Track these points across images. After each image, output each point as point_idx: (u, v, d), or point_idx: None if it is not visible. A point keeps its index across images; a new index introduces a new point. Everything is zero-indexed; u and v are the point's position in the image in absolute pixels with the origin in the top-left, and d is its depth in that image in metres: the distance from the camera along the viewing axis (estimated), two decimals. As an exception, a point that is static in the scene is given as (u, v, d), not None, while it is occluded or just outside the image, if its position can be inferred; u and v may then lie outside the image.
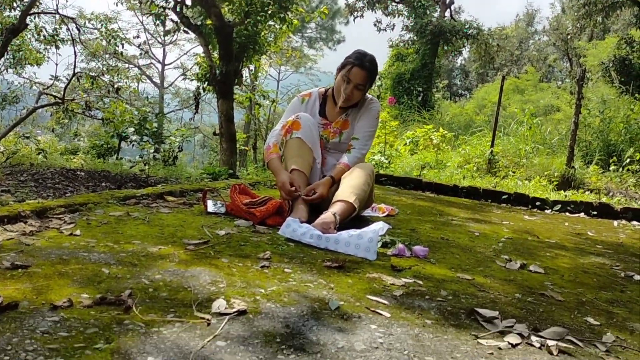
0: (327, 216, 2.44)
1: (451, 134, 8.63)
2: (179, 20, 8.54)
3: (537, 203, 5.15)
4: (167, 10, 8.59)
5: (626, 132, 9.79)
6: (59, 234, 1.96)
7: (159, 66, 32.67)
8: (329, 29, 32.41)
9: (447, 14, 17.08)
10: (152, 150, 5.70)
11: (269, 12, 7.89)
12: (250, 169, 8.70)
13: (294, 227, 2.34)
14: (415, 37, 17.17)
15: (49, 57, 12.39)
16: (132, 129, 5.93)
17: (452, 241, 2.78)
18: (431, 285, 1.88)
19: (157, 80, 33.60)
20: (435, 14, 17.08)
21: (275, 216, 2.62)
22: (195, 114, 10.08)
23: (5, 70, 12.30)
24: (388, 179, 5.62)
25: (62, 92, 10.86)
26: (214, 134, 8.77)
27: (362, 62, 2.97)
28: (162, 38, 29.33)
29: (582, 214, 4.98)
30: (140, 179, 3.77)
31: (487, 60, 19.07)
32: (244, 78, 10.26)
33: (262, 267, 1.81)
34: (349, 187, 2.68)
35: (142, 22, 25.62)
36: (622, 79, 14.19)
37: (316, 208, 2.84)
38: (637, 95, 12.63)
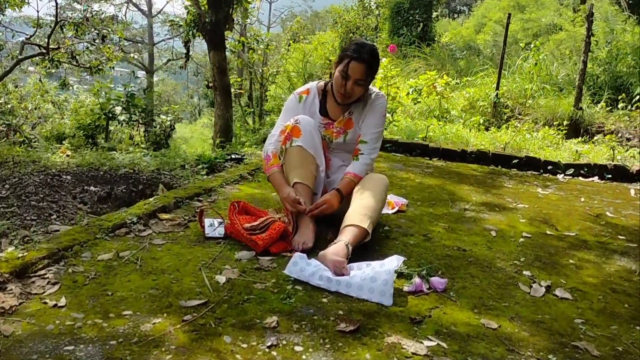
0: (338, 249, 2.23)
1: (453, 81, 8.25)
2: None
3: (549, 167, 4.93)
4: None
5: (636, 64, 9.40)
6: (43, 305, 1.77)
7: (146, -10, 31.29)
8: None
9: None
10: (142, 130, 5.39)
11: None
12: (247, 134, 8.37)
13: (302, 265, 2.14)
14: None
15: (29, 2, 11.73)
16: (120, 108, 5.55)
17: (469, 254, 2.58)
18: (456, 351, 1.70)
19: (145, 8, 32.39)
20: None
21: (279, 242, 2.42)
22: (186, 62, 9.63)
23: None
24: (393, 145, 5.37)
25: (46, 41, 10.37)
26: (207, 86, 8.43)
27: (360, 55, 2.67)
28: None
29: (596, 178, 4.78)
30: (132, 177, 3.53)
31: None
32: (235, 21, 9.75)
33: (269, 346, 1.63)
34: (362, 208, 2.45)
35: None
36: (631, 1, 13.53)
37: (323, 219, 2.64)
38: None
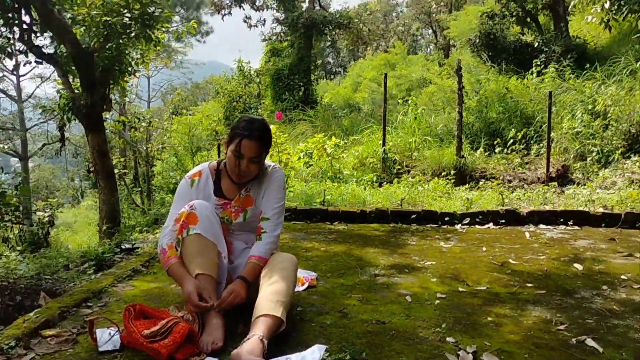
0: (253, 346, 2.01)
1: (342, 141, 8.43)
2: (28, 51, 7.53)
3: (447, 218, 5.04)
4: (12, 40, 7.53)
5: (504, 110, 10.12)
6: None
7: (14, 78, 29.86)
8: (195, 20, 31.14)
9: (316, 4, 16.87)
10: (16, 232, 4.83)
11: (132, 33, 7.14)
12: (136, 216, 7.94)
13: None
14: (288, 30, 16.82)
15: None
16: None
17: (389, 326, 2.46)
18: None
19: (13, 93, 30.82)
20: (304, 5, 16.81)
21: (186, 346, 2.16)
22: (61, 147, 9.06)
23: None
24: (292, 213, 5.25)
25: None
26: (88, 171, 7.94)
27: (251, 132, 2.56)
28: (11, 72, 26.68)
29: (491, 225, 4.93)
30: (7, 289, 3.10)
31: (360, 44, 19.19)
32: (113, 100, 9.38)
33: None
34: (272, 295, 2.27)
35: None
36: (490, 54, 14.77)
37: (232, 310, 2.41)
38: (504, 67, 13.20)
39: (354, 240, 4.39)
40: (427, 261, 3.67)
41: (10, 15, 7.52)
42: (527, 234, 4.54)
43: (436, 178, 7.59)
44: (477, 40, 15.06)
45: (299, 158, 8.11)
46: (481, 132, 9.82)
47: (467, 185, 7.51)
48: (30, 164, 31.81)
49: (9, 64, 27.81)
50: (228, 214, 2.74)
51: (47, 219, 5.30)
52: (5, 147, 27.34)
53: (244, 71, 17.84)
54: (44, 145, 30.16)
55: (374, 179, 7.68)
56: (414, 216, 5.08)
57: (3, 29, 7.52)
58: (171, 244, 2.53)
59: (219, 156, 9.62)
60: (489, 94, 10.56)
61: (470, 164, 8.16)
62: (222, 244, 2.61)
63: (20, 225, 5.05)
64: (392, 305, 2.77)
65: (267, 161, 2.83)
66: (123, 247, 3.99)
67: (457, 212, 5.10)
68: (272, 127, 8.37)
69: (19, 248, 4.48)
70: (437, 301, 2.83)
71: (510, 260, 3.67)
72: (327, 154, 8.06)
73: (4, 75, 29.55)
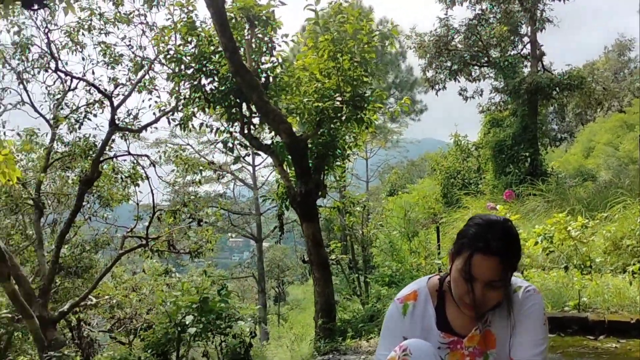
0: None
1: (591, 221, 6.95)
2: (248, 144, 7.72)
3: None
4: (234, 134, 7.80)
5: None
6: None
7: (250, 168, 32.94)
8: (408, 97, 31.30)
9: (540, 66, 15.49)
10: (218, 343, 4.54)
11: (343, 116, 6.85)
12: (352, 308, 7.39)
13: None
14: (509, 99, 15.64)
15: (139, 191, 12.01)
16: (191, 317, 4.72)
17: None
18: None
19: (250, 182, 33.88)
20: (526, 70, 15.54)
21: None
22: (281, 237, 9.09)
23: (89, 218, 12.10)
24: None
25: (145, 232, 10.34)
26: (303, 261, 7.66)
27: (487, 244, 1.71)
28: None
29: None
30: None
31: (594, 105, 17.05)
32: (328, 186, 9.20)
33: None
34: None
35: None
36: None
37: None
38: None
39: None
40: None
41: (233, 111, 7.87)
42: None
43: None
44: None
45: (536, 243, 6.84)
46: None
47: None
48: (265, 244, 34.41)
49: (248, 157, 30.88)
50: (459, 359, 1.87)
51: (247, 329, 4.89)
52: (242, 230, 30.03)
53: (461, 145, 16.94)
54: (275, 228, 32.52)
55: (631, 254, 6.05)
56: None
57: (225, 124, 7.86)
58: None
59: (438, 241, 8.72)
60: None
61: None
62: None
63: (222, 337, 4.72)
64: None
65: (514, 279, 1.92)
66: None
67: None
68: (498, 207, 7.30)
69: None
70: None
71: None
72: (572, 237, 6.63)
73: (242, 166, 32.91)
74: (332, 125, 7.06)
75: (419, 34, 15.86)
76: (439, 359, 1.82)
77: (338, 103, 6.91)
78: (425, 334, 1.89)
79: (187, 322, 4.54)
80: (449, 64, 15.62)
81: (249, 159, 31.27)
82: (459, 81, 16.07)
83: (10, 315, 9.79)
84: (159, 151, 10.61)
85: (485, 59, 15.64)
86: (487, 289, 1.73)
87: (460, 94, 17.01)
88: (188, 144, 26.32)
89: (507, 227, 1.77)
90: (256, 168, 33.86)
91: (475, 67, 16.10)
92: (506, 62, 14.93)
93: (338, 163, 8.56)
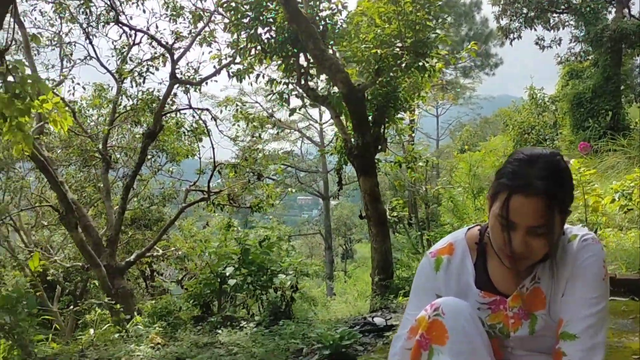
0: None
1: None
2: (304, 94, 7.48)
3: None
4: (290, 86, 7.58)
5: None
6: None
7: (317, 126, 32.77)
8: (483, 54, 29.83)
9: (625, 12, 14.19)
10: (261, 297, 4.36)
11: (403, 64, 6.44)
12: (413, 266, 7.12)
13: None
14: (589, 48, 14.49)
15: (203, 146, 12.10)
16: (232, 268, 4.58)
17: None
18: None
19: (318, 139, 33.76)
20: (610, 16, 14.29)
21: None
22: (339, 190, 8.89)
23: (155, 172, 12.35)
24: (610, 284, 3.69)
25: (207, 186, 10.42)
26: (360, 216, 7.41)
27: (528, 182, 1.40)
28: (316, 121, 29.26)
29: None
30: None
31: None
32: (389, 140, 8.86)
33: None
34: None
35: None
36: None
37: None
38: None
39: None
40: None
41: (290, 62, 7.62)
42: None
43: None
44: None
45: (613, 200, 6.26)
46: None
47: None
48: (332, 202, 34.49)
49: (315, 113, 30.63)
50: (502, 321, 1.59)
51: (289, 283, 4.71)
52: (309, 187, 30.13)
53: (536, 99, 15.95)
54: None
55: None
56: None
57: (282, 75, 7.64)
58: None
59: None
60: None
61: None
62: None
63: (263, 290, 4.57)
64: None
65: (570, 227, 1.60)
66: (369, 326, 3.08)
67: None
68: (572, 161, 6.73)
69: (256, 318, 3.94)
70: None
71: None
72: (655, 195, 6.03)
73: (310, 124, 32.77)
74: (391, 74, 6.68)
75: (490, -21, 14.88)
76: (478, 320, 1.55)
77: (398, 50, 6.51)
78: (462, 293, 1.61)
79: (227, 274, 4.44)
80: (524, 10, 14.59)
81: (315, 115, 31.08)
82: (535, 29, 15.02)
83: (80, 265, 10.20)
84: (219, 105, 10.56)
85: (565, 4, 14.48)
86: (529, 236, 1.42)
87: (536, 43, 15.94)
88: (256, 102, 26.40)
89: (555, 160, 1.44)
90: (324, 125, 33.66)
91: (554, 14, 14.97)
92: (588, 8, 13.75)
93: (400, 115, 8.19)
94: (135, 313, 5.65)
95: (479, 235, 1.69)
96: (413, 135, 14.09)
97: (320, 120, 33.31)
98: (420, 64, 6.55)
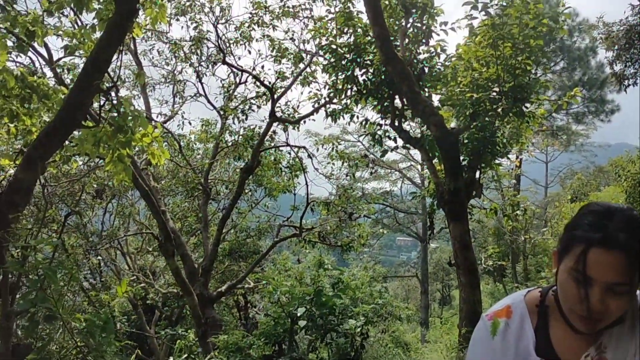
0: None
1: None
2: (397, 136, 7.43)
3: None
4: (384, 127, 7.58)
5: None
6: None
7: (418, 167, 32.44)
8: (598, 100, 28.26)
9: None
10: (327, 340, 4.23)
11: (500, 109, 6.23)
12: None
13: None
14: None
15: (299, 183, 12.35)
16: (303, 309, 4.45)
17: None
18: None
19: (419, 181, 33.33)
20: None
21: None
22: (430, 234, 8.64)
23: (255, 205, 12.73)
24: None
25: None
26: (449, 264, 7.15)
27: (608, 235, 1.26)
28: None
29: None
30: None
31: None
32: (486, 185, 8.54)
33: None
34: None
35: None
36: None
37: None
38: None
39: None
40: None
41: (385, 104, 7.64)
42: None
43: None
44: None
45: None
46: None
47: None
48: (432, 245, 33.77)
49: (417, 154, 30.38)
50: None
51: (358, 329, 4.53)
52: (407, 229, 29.70)
53: (653, 150, 14.79)
54: (441, 229, 31.64)
55: None
56: None
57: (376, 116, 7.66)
58: None
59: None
60: None
61: None
62: None
63: (332, 333, 4.46)
64: None
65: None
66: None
67: None
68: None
69: (324, 362, 3.85)
70: None
71: None
72: None
73: (411, 164, 32.49)
74: (487, 119, 6.48)
75: (606, 23, 14.14)
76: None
77: (495, 94, 6.32)
78: (521, 360, 1.48)
79: (298, 314, 4.38)
80: (641, 56, 13.69)
81: (417, 157, 30.75)
82: (655, 74, 14.01)
83: (176, 291, 10.62)
84: (315, 144, 10.77)
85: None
86: (607, 295, 1.28)
87: (657, 90, 14.84)
88: (358, 140, 26.66)
89: (634, 215, 1.30)
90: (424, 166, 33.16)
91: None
92: None
93: (498, 161, 7.89)
94: (211, 345, 5.75)
95: (540, 297, 1.55)
96: (514, 182, 13.51)
97: (422, 159, 32.87)
98: (519, 109, 6.32)
